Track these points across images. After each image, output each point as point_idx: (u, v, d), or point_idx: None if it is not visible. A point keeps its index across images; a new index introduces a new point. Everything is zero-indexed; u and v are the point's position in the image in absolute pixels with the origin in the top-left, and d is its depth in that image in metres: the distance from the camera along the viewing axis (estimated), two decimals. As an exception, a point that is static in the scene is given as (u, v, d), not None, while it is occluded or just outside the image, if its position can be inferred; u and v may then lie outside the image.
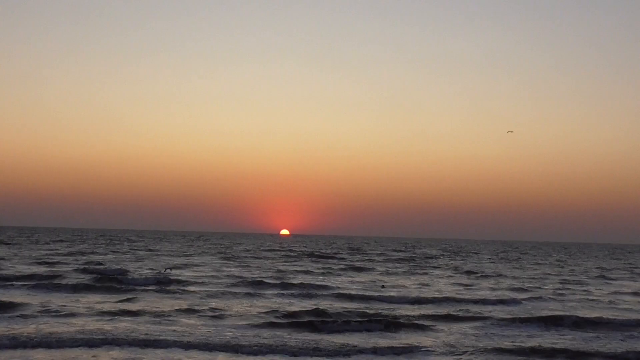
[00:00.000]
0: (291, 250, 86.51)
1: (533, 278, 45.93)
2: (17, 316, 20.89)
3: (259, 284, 33.84)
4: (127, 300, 25.97)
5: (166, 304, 24.96)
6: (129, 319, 21.19)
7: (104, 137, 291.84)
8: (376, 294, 30.90)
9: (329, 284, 35.83)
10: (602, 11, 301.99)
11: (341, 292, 31.34)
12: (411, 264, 61.01)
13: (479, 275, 47.12)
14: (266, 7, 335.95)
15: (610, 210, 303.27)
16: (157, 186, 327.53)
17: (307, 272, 44.54)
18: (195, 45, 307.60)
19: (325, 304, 26.31)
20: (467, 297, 30.76)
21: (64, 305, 23.54)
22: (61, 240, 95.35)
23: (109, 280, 32.39)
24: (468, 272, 49.35)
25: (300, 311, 23.82)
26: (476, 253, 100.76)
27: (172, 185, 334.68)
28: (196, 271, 42.05)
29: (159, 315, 22.11)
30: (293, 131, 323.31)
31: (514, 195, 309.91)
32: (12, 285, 29.45)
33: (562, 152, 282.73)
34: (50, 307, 22.93)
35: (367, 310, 24.70)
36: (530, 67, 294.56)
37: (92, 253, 61.49)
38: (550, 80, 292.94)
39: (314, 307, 24.83)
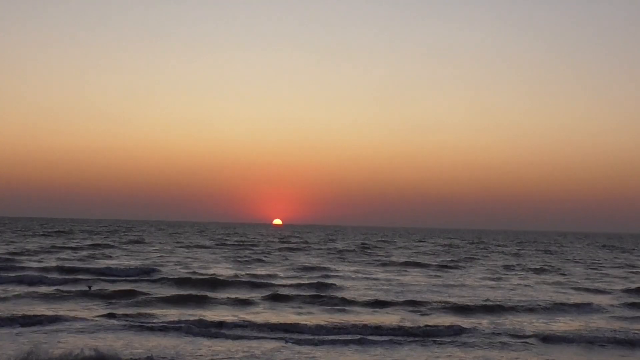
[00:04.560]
0: (310, 243, 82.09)
1: None
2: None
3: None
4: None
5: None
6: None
7: (96, 127, 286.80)
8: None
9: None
10: (600, 2, 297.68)
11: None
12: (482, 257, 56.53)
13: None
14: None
15: (607, 200, 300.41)
16: (147, 176, 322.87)
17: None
18: (188, 34, 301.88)
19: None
20: None
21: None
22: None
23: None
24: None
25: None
26: (505, 245, 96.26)
27: (163, 175, 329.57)
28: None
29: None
30: (284, 121, 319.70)
31: (511, 185, 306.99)
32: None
33: (559, 141, 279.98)
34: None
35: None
36: (527, 57, 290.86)
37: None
38: (546, 71, 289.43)
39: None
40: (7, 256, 40.23)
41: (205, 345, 15.95)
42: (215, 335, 16.96)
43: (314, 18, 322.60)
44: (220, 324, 18.37)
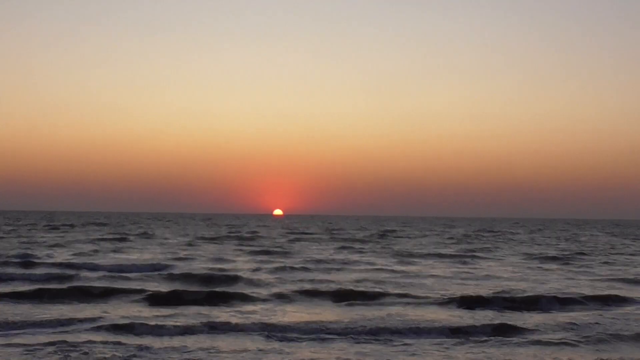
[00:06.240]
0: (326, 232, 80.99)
1: None
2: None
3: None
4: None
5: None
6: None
7: (99, 119, 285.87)
8: None
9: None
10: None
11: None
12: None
13: None
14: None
15: (605, 187, 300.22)
16: (150, 168, 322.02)
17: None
18: (188, 27, 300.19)
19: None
20: None
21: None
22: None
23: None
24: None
25: None
26: (515, 233, 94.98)
27: (165, 167, 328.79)
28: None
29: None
30: (283, 114, 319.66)
31: (509, 173, 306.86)
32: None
33: (551, 129, 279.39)
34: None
35: None
36: (518, 44, 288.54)
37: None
38: (538, 58, 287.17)
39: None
40: (18, 251, 39.15)
41: (218, 341, 15.10)
42: (211, 333, 16.06)
43: (310, 12, 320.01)
44: (229, 323, 17.21)
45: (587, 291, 24.98)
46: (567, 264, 38.88)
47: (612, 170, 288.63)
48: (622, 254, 49.27)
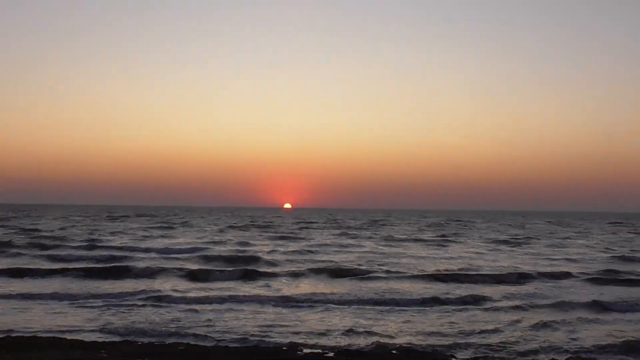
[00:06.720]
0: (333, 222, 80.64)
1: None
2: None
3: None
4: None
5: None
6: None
7: (151, 134, 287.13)
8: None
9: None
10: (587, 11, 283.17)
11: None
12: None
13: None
14: (268, 4, 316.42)
15: (541, 183, 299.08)
16: (188, 172, 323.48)
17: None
18: (205, 46, 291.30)
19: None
20: None
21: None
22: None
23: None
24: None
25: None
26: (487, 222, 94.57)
27: (199, 170, 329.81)
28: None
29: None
30: (293, 129, 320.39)
31: (464, 175, 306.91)
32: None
33: (547, 135, 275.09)
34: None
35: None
36: (523, 58, 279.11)
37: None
38: (547, 71, 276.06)
39: None
40: (86, 236, 39.11)
41: (242, 306, 14.64)
42: (238, 302, 15.82)
43: (320, 28, 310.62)
44: (252, 294, 17.03)
45: (534, 268, 24.91)
46: (519, 245, 38.78)
47: (549, 169, 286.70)
48: (560, 238, 49.15)
